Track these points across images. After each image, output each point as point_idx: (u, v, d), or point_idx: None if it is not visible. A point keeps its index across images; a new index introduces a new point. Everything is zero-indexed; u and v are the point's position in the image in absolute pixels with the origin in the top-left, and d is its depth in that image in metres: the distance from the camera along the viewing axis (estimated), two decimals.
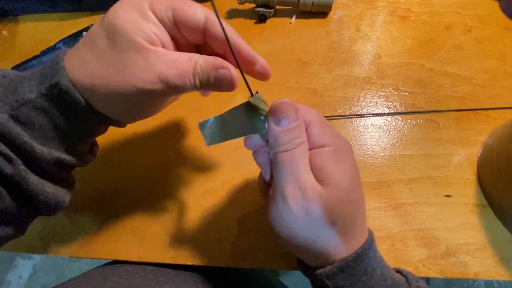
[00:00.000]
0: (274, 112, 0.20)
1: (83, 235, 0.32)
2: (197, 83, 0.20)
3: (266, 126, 0.21)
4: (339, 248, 0.20)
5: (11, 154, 0.19)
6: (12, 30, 0.55)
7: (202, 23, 0.20)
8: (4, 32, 0.55)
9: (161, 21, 0.20)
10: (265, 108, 0.21)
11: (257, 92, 0.20)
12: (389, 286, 0.21)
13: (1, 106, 0.19)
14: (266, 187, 0.23)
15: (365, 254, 0.21)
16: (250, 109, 0.21)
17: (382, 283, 0.21)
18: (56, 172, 0.22)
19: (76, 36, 0.43)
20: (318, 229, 0.20)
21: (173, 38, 0.21)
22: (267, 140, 0.21)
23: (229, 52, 0.19)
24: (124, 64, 0.18)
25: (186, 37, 0.21)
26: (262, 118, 0.21)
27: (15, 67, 0.43)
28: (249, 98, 0.20)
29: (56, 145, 0.21)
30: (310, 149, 0.21)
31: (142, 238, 0.31)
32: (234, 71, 0.20)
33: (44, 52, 0.43)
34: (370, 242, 0.21)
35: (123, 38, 0.18)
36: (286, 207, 0.19)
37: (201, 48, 0.24)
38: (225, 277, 0.34)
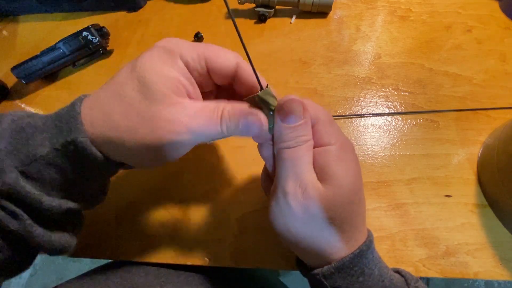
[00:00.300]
0: (281, 108, 0.20)
1: (83, 235, 0.32)
2: (225, 130, 0.20)
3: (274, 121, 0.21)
4: (337, 247, 0.20)
5: (17, 211, 0.19)
6: (12, 30, 0.55)
7: (233, 71, 0.21)
8: (4, 32, 0.55)
9: (193, 71, 0.20)
10: (274, 102, 0.21)
11: (267, 86, 0.20)
12: (386, 286, 0.21)
13: (10, 162, 0.18)
14: (268, 182, 0.24)
15: (363, 255, 0.21)
16: (259, 102, 0.21)
17: (379, 283, 0.21)
18: (64, 220, 0.22)
19: (76, 36, 0.43)
20: (317, 228, 0.20)
21: (200, 83, 0.22)
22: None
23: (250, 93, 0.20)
24: (152, 116, 0.18)
25: (213, 80, 0.22)
26: (270, 113, 0.21)
27: (15, 67, 0.43)
28: (258, 91, 0.20)
29: (66, 195, 0.21)
30: (314, 147, 0.21)
31: (142, 238, 0.31)
32: (263, 116, 0.20)
33: (44, 52, 0.43)
34: (368, 243, 0.21)
35: (151, 90, 0.18)
36: (286, 204, 0.20)
37: (222, 88, 0.24)
38: (225, 277, 0.34)
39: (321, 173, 0.20)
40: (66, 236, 0.22)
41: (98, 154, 0.19)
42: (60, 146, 0.18)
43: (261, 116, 0.20)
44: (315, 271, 0.21)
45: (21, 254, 0.21)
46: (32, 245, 0.20)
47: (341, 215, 0.20)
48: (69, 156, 0.19)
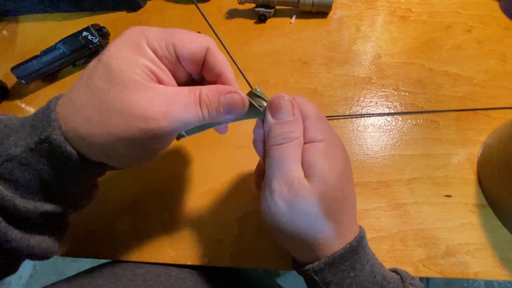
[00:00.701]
0: (271, 104, 0.21)
1: (83, 235, 0.32)
2: (206, 113, 0.19)
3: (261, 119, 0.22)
4: (326, 243, 0.20)
5: None
6: (12, 30, 0.55)
7: (201, 55, 0.20)
8: (4, 32, 0.55)
9: (162, 58, 0.19)
10: (264, 104, 0.22)
11: (256, 88, 0.21)
12: (378, 282, 0.21)
13: None
14: (261, 179, 0.24)
15: (353, 250, 0.21)
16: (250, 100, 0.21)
17: (371, 279, 0.21)
18: (44, 223, 0.21)
19: (76, 36, 0.43)
20: (304, 225, 0.20)
21: (171, 71, 0.21)
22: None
23: (223, 81, 0.20)
24: (124, 105, 0.17)
25: (184, 68, 0.21)
26: (261, 111, 0.21)
27: (15, 67, 0.43)
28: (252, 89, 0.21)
29: (43, 198, 0.20)
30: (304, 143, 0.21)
31: (142, 238, 0.31)
32: (242, 94, 0.20)
33: (44, 52, 0.43)
34: (359, 238, 0.21)
35: (119, 78, 0.17)
36: (273, 201, 0.20)
37: (196, 81, 0.24)
38: (219, 279, 0.34)
39: (308, 170, 0.20)
40: (46, 241, 0.21)
41: (73, 152, 0.18)
42: (34, 145, 0.18)
43: (241, 93, 0.19)
44: (306, 267, 0.21)
45: (3, 258, 0.20)
46: (9, 250, 0.19)
47: (327, 212, 0.20)
48: (43, 155, 0.18)
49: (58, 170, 0.19)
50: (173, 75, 0.21)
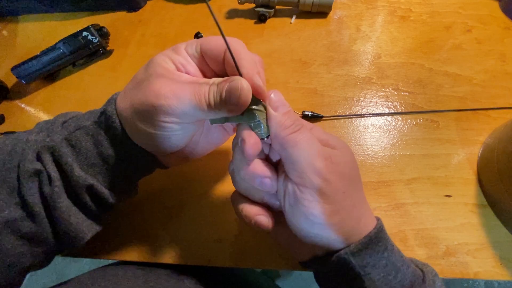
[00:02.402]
0: (271, 101, 0.20)
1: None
2: (211, 98, 0.20)
3: (261, 124, 0.20)
4: (368, 211, 0.22)
5: (53, 174, 0.21)
6: (12, 30, 0.55)
7: (221, 51, 0.22)
8: (4, 32, 0.55)
9: (191, 55, 0.23)
10: (261, 108, 0.21)
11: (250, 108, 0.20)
12: (406, 262, 0.21)
13: (61, 130, 0.23)
14: (259, 207, 0.23)
15: (383, 230, 0.21)
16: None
17: (400, 259, 0.21)
18: (87, 201, 0.23)
19: (76, 36, 0.43)
20: (354, 190, 0.21)
21: (201, 69, 0.23)
22: (262, 139, 0.21)
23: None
24: (148, 83, 0.20)
25: (212, 69, 0.23)
26: (257, 117, 0.20)
27: (15, 67, 0.43)
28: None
29: (94, 173, 0.23)
30: None
31: (142, 238, 0.31)
32: (244, 82, 0.19)
33: (44, 52, 0.43)
34: (380, 222, 0.22)
35: (153, 66, 0.21)
36: (323, 180, 0.19)
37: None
38: (217, 281, 0.34)
39: (327, 145, 0.21)
40: (83, 224, 0.23)
41: (119, 125, 0.21)
42: (97, 118, 0.22)
43: (242, 81, 0.19)
44: (343, 251, 0.20)
45: (52, 231, 0.23)
46: (54, 219, 0.22)
47: (358, 174, 0.21)
48: (102, 127, 0.22)
49: (110, 143, 0.22)
50: (202, 73, 0.24)
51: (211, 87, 0.20)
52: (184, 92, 0.19)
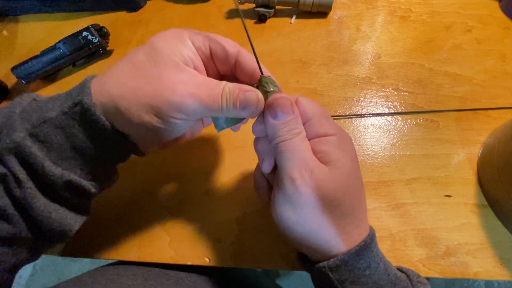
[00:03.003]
0: (270, 106, 0.21)
1: (83, 235, 0.32)
2: (224, 104, 0.20)
3: None
4: (344, 234, 0.20)
5: (20, 176, 0.19)
6: (12, 30, 0.55)
7: (234, 55, 0.22)
8: (4, 32, 0.55)
9: (198, 49, 0.22)
10: (275, 91, 0.22)
11: (268, 76, 0.22)
12: (392, 281, 0.21)
13: (20, 123, 0.19)
14: (262, 180, 0.24)
15: (368, 247, 0.21)
16: (260, 90, 0.22)
17: (385, 277, 0.21)
18: (67, 196, 0.21)
19: (76, 36, 0.43)
20: (327, 212, 0.20)
21: (205, 67, 0.23)
22: None
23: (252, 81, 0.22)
24: (159, 77, 0.19)
25: (217, 67, 0.23)
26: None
27: (15, 67, 0.43)
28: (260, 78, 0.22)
29: (71, 167, 0.21)
30: (313, 138, 0.21)
31: (142, 238, 0.31)
32: (260, 94, 0.21)
33: (44, 52, 0.43)
34: (372, 236, 0.21)
35: (160, 56, 0.20)
36: (295, 190, 0.19)
37: (226, 78, 0.24)
38: (217, 280, 0.34)
39: (323, 158, 0.20)
40: (66, 218, 0.22)
41: (102, 117, 0.19)
42: (68, 109, 0.19)
43: (258, 94, 0.20)
44: (321, 264, 0.21)
45: (31, 231, 0.21)
46: (33, 219, 0.20)
47: (345, 197, 0.20)
48: (76, 119, 0.20)
49: (86, 136, 0.20)
50: (207, 72, 0.23)
51: (223, 92, 0.20)
52: (199, 92, 0.20)
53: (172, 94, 0.19)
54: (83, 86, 0.20)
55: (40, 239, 0.22)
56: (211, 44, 0.22)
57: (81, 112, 0.19)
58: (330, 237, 0.20)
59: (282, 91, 0.22)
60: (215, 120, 0.24)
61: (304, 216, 0.20)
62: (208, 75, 0.23)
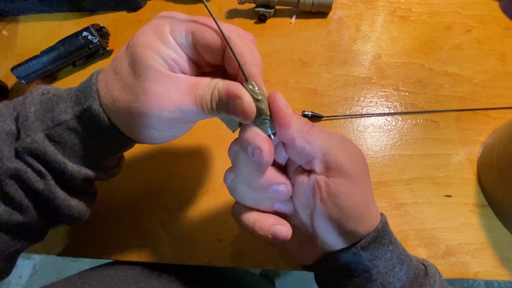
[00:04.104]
0: (279, 99, 0.19)
1: (83, 235, 0.32)
2: (215, 108, 0.19)
3: (267, 121, 0.19)
4: (371, 216, 0.21)
5: (43, 170, 0.21)
6: (12, 30, 0.55)
7: (219, 46, 0.20)
8: (4, 32, 0.55)
9: (181, 45, 0.20)
10: (262, 98, 0.19)
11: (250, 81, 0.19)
12: (408, 255, 0.22)
13: (38, 125, 0.21)
14: (274, 217, 0.21)
15: (387, 224, 0.22)
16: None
17: (403, 252, 0.22)
18: (82, 187, 0.23)
19: (76, 36, 0.43)
20: (368, 181, 0.21)
21: (193, 60, 0.21)
22: (269, 135, 0.20)
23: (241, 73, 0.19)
24: (144, 92, 0.19)
25: (205, 58, 0.21)
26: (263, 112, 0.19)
27: (15, 67, 0.43)
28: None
29: (84, 163, 0.22)
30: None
31: (142, 238, 0.31)
32: (247, 100, 0.18)
33: (44, 52, 0.43)
34: (384, 217, 0.22)
35: (143, 66, 0.19)
36: (353, 167, 0.20)
37: (219, 68, 0.23)
38: (209, 281, 0.34)
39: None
40: (82, 204, 0.24)
41: (107, 122, 0.20)
42: (79, 113, 0.20)
43: (247, 99, 0.18)
44: (353, 248, 0.20)
45: (43, 218, 0.22)
46: (53, 209, 0.22)
47: (367, 173, 0.22)
48: (86, 122, 0.21)
49: (96, 136, 0.21)
50: (195, 63, 0.21)
51: (213, 94, 0.19)
52: (185, 101, 0.19)
53: (160, 111, 0.19)
54: (90, 91, 0.20)
55: (52, 224, 0.24)
56: (194, 38, 0.20)
57: (90, 117, 0.20)
58: (374, 207, 0.21)
59: (266, 93, 0.20)
60: (227, 121, 0.22)
61: (363, 188, 0.21)
62: (199, 66, 0.22)
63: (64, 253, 0.32)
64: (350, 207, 0.20)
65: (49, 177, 0.21)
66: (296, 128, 0.19)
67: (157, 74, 0.19)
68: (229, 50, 0.19)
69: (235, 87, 0.18)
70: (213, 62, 0.21)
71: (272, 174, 0.20)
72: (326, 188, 0.19)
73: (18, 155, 0.21)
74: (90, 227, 0.32)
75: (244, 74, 0.19)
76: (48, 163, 0.21)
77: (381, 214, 0.22)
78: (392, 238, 0.21)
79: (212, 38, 0.20)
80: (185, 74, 0.20)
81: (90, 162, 0.23)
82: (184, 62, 0.20)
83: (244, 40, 0.20)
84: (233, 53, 0.18)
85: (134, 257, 0.30)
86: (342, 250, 0.21)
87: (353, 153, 0.21)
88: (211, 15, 0.18)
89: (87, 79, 0.21)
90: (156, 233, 0.31)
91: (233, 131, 0.22)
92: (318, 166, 0.20)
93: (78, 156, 0.22)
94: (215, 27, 0.20)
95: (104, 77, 0.21)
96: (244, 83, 0.19)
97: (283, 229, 0.20)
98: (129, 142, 0.23)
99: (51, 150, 0.20)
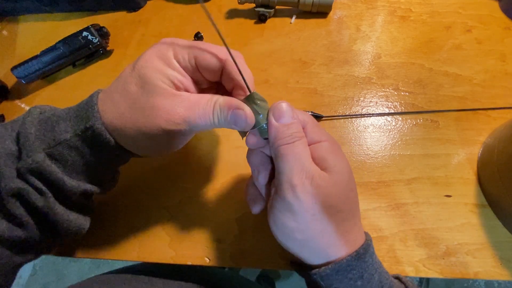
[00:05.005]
0: (274, 109, 0.21)
1: (83, 235, 0.32)
2: (216, 121, 0.21)
3: (263, 124, 0.22)
4: (343, 240, 0.21)
5: (43, 188, 0.22)
6: (12, 30, 0.55)
7: (219, 67, 0.23)
8: (4, 32, 0.55)
9: (185, 68, 0.22)
10: (264, 106, 0.22)
11: (253, 92, 0.22)
12: None
13: (39, 145, 0.22)
14: (255, 192, 0.25)
15: (361, 258, 0.21)
16: (249, 105, 0.22)
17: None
18: (80, 201, 0.25)
19: (76, 36, 0.43)
20: (326, 218, 0.20)
21: (194, 80, 0.24)
22: (265, 138, 0.22)
23: (238, 88, 0.23)
24: (152, 107, 0.21)
25: (205, 77, 0.24)
26: (260, 116, 0.22)
27: (15, 67, 0.43)
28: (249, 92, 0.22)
29: (83, 178, 0.24)
30: (308, 145, 0.22)
31: (142, 238, 0.31)
32: (248, 111, 0.21)
33: (44, 52, 0.43)
34: (366, 246, 0.21)
35: (151, 85, 0.21)
36: (295, 198, 0.20)
37: (218, 84, 0.26)
38: (199, 284, 0.34)
39: (321, 164, 0.21)
40: (80, 218, 0.25)
41: (111, 139, 0.22)
42: (81, 132, 0.21)
43: (247, 111, 0.21)
44: (313, 271, 0.21)
45: (43, 234, 0.24)
46: (54, 222, 0.23)
47: (345, 202, 0.21)
48: (87, 141, 0.22)
49: (97, 153, 0.23)
50: (195, 82, 0.24)
51: (214, 109, 0.21)
52: (191, 115, 0.21)
53: (166, 124, 0.21)
54: (92, 110, 0.21)
55: (56, 239, 0.25)
56: (197, 61, 0.22)
57: (92, 136, 0.22)
58: (331, 243, 0.21)
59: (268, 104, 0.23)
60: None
61: (304, 223, 0.20)
62: (200, 85, 0.25)
63: (64, 253, 0.32)
64: (290, 238, 0.21)
65: (49, 194, 0.22)
66: (271, 136, 0.21)
67: (164, 91, 0.21)
68: (229, 69, 0.22)
69: (236, 101, 0.21)
70: (211, 79, 0.24)
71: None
72: (271, 201, 0.22)
73: (20, 175, 0.22)
74: (90, 227, 0.32)
75: (248, 87, 0.22)
76: (49, 181, 0.22)
77: (364, 244, 0.22)
78: (365, 274, 0.21)
79: (213, 61, 0.22)
80: (186, 91, 0.23)
81: (88, 177, 0.24)
82: (188, 82, 0.23)
83: (241, 60, 0.23)
84: (240, 72, 0.21)
85: (134, 257, 0.30)
86: (306, 267, 0.23)
87: (312, 193, 0.20)
88: (213, 24, 0.20)
89: (87, 99, 0.23)
90: (156, 233, 0.31)
91: (242, 138, 0.24)
92: (275, 181, 0.22)
93: (77, 172, 0.23)
94: (214, 51, 0.22)
95: (108, 96, 0.22)
96: (251, 93, 0.22)
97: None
98: (130, 156, 0.25)
99: (51, 168, 0.21)
